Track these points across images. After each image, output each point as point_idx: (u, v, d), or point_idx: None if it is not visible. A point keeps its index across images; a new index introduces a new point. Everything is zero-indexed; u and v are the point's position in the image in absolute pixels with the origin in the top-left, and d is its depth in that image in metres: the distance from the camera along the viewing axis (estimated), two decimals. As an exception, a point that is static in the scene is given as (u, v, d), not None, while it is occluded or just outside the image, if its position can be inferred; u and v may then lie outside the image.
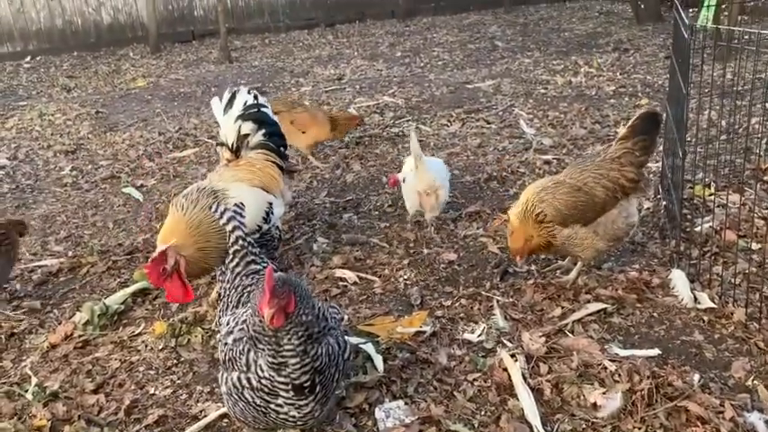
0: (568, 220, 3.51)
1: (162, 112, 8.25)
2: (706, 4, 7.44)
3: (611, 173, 3.56)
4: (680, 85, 3.83)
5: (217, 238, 3.31)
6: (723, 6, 8.24)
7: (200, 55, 12.07)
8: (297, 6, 14.39)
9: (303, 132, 5.82)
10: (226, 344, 2.43)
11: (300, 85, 9.24)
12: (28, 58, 12.65)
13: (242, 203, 2.97)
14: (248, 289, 2.62)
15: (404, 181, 4.55)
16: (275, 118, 4.18)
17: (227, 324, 2.50)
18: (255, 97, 4.08)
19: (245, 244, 2.72)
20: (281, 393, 2.31)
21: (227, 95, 4.06)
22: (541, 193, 3.55)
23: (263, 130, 4.05)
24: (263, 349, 2.27)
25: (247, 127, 3.99)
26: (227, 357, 2.43)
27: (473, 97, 7.91)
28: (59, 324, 3.74)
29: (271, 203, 3.84)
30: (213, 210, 2.80)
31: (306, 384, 2.30)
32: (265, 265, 2.75)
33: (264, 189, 3.87)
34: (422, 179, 4.33)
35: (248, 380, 2.33)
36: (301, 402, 2.34)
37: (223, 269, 2.79)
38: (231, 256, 2.71)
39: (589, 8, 14.18)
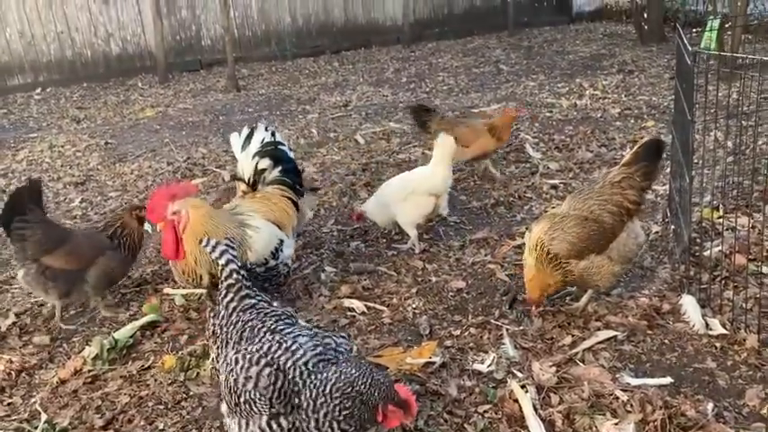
0: (584, 252, 3.50)
1: (170, 141, 8.33)
2: (709, 26, 7.49)
3: (614, 197, 3.56)
4: (684, 110, 3.84)
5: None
6: (726, 27, 8.29)
7: (208, 84, 12.21)
8: (303, 34, 14.58)
9: (465, 147, 5.78)
10: (243, 389, 2.36)
11: (307, 112, 9.32)
12: (38, 90, 12.82)
13: (233, 238, 3.03)
14: (249, 324, 2.59)
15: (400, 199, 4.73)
16: (291, 155, 4.31)
17: (238, 364, 2.43)
18: (273, 134, 4.22)
19: (240, 278, 2.69)
20: None
21: (245, 132, 4.19)
22: (550, 232, 3.52)
23: (280, 167, 4.16)
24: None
25: (264, 163, 4.12)
26: (243, 400, 2.38)
27: (479, 122, 7.93)
28: (69, 359, 3.75)
29: (282, 241, 3.86)
30: (204, 243, 2.78)
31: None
32: (260, 298, 2.72)
33: (278, 224, 3.92)
34: (442, 180, 4.68)
35: (283, 426, 2.33)
36: None
37: (215, 306, 2.75)
38: (225, 291, 2.67)
39: (593, 30, 14.30)
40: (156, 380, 3.48)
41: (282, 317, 2.65)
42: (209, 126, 8.99)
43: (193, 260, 3.55)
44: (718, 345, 3.35)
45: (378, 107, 9.23)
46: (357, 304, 4.07)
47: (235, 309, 2.64)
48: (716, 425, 2.75)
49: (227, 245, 2.73)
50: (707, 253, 4.14)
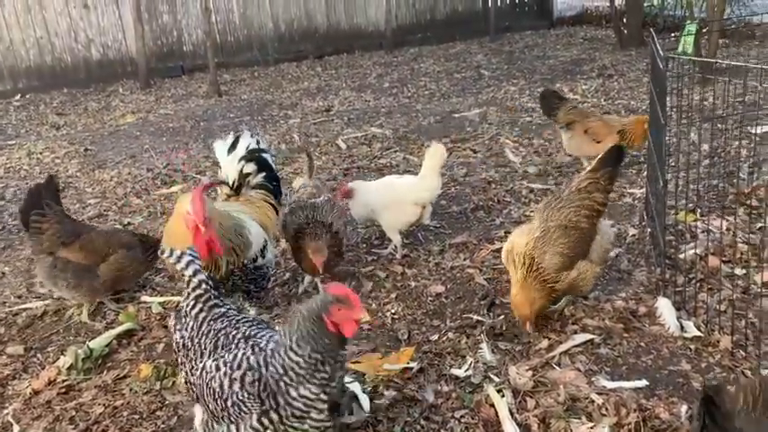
0: (575, 261, 3.53)
1: (150, 147, 8.28)
2: (686, 30, 7.58)
3: (585, 202, 3.60)
4: (658, 114, 3.88)
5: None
6: (704, 31, 8.39)
7: (190, 89, 12.15)
8: (285, 40, 14.56)
9: (598, 142, 5.59)
10: (229, 391, 2.40)
11: (289, 117, 9.30)
12: (17, 97, 12.68)
13: (195, 248, 2.99)
14: (223, 332, 2.58)
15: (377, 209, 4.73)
16: (273, 163, 4.43)
17: (220, 371, 2.44)
18: (258, 142, 4.35)
19: (208, 287, 2.66)
20: (313, 415, 2.37)
21: (230, 137, 4.31)
22: (537, 249, 3.51)
23: (264, 173, 4.29)
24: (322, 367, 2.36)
25: (250, 168, 4.23)
26: (231, 403, 2.39)
27: (460, 126, 7.98)
28: (43, 369, 3.70)
29: (266, 241, 3.90)
30: (167, 254, 2.72)
31: (339, 401, 2.45)
32: (228, 306, 2.71)
33: (261, 226, 3.95)
34: (431, 191, 4.74)
35: (273, 419, 2.36)
36: (327, 424, 2.42)
37: (180, 318, 2.70)
38: (193, 302, 2.63)
39: (573, 35, 14.41)
40: (131, 389, 3.44)
41: (255, 323, 2.64)
42: (190, 132, 8.94)
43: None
44: (692, 347, 3.38)
45: (360, 112, 9.24)
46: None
47: (205, 319, 2.62)
48: (689, 427, 2.77)
49: (190, 255, 2.69)
50: (683, 256, 4.17)
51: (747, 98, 6.11)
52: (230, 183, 4.21)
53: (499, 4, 15.83)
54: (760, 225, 4.45)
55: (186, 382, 2.65)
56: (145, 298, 4.43)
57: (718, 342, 3.35)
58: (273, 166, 4.43)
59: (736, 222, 4.50)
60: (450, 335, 3.71)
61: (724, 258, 4.07)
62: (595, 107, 8.14)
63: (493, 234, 4.94)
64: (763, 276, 3.76)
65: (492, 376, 3.28)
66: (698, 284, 3.85)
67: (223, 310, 2.67)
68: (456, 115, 8.52)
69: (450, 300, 4.12)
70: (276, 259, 4.87)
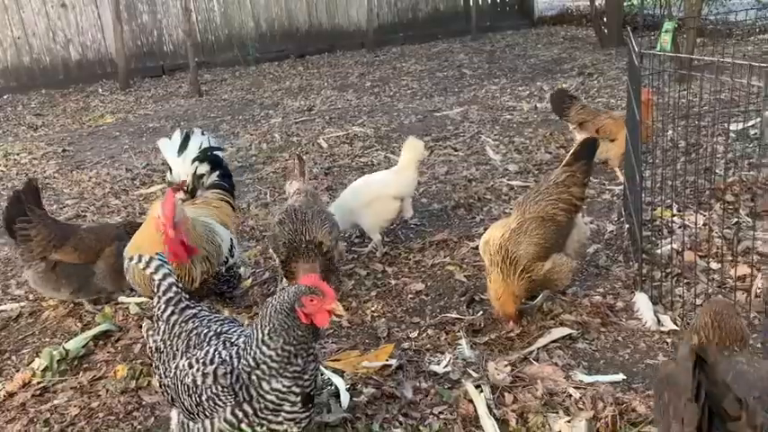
0: (549, 253, 3.54)
1: (130, 148, 8.20)
2: (664, 28, 7.65)
3: (562, 195, 3.63)
4: (634, 111, 3.91)
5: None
6: (682, 30, 8.47)
7: (170, 89, 12.06)
8: (267, 39, 14.50)
9: (612, 141, 5.44)
10: (203, 386, 2.39)
11: (270, 116, 9.26)
12: (-5, 97, 12.53)
13: (162, 253, 2.94)
14: (195, 332, 2.57)
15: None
16: (225, 160, 4.33)
17: (193, 367, 2.44)
18: (209, 140, 4.24)
19: (178, 290, 2.65)
20: (287, 408, 2.36)
21: (179, 137, 4.18)
22: (512, 240, 3.52)
23: (218, 171, 4.17)
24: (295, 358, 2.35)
25: (204, 168, 4.12)
26: (205, 398, 2.38)
27: (441, 125, 7.99)
28: (17, 371, 3.65)
29: (232, 238, 3.82)
30: (135, 260, 2.69)
31: (312, 393, 2.43)
32: (200, 308, 2.70)
33: (224, 225, 3.89)
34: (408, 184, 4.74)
35: (247, 411, 2.35)
36: (302, 415, 2.41)
37: (152, 324, 2.70)
38: (164, 305, 2.61)
39: (554, 34, 14.50)
40: (107, 390, 3.41)
41: (227, 321, 2.63)
42: (170, 132, 8.74)
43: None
44: (669, 341, 3.40)
45: (341, 111, 9.22)
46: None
47: (177, 321, 2.60)
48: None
49: (160, 259, 2.67)
50: (660, 251, 4.21)
51: (724, 95, 6.17)
52: (184, 186, 4.13)
53: (480, 3, 15.88)
54: (735, 220, 4.50)
55: (160, 386, 2.62)
56: (122, 299, 4.38)
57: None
58: (225, 162, 4.35)
59: (712, 218, 4.55)
60: (430, 332, 3.71)
61: (700, 253, 4.11)
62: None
63: (473, 231, 4.95)
64: (737, 270, 3.79)
65: (471, 372, 3.28)
66: (675, 279, 3.89)
67: (194, 311, 2.65)
68: (437, 114, 8.54)
69: (430, 297, 4.12)
70: (256, 258, 4.86)
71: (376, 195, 4.68)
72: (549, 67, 10.83)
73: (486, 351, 3.46)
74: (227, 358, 2.41)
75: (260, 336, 2.37)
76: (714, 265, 3.98)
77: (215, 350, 2.45)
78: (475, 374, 3.25)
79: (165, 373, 2.57)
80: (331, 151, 7.36)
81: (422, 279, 4.35)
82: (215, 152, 4.22)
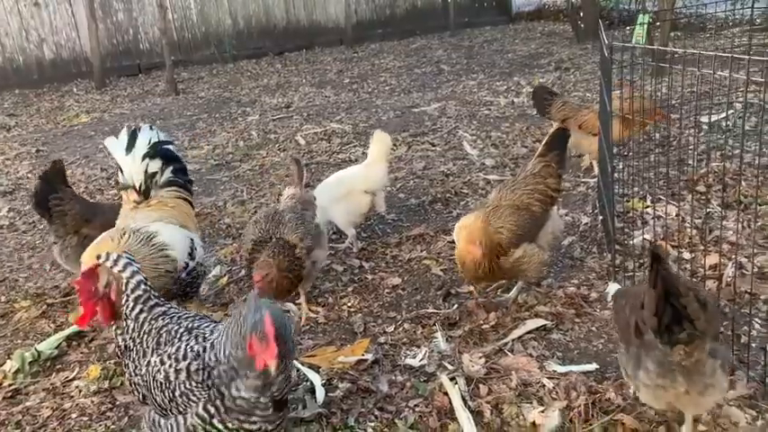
0: (521, 240, 3.56)
1: (105, 147, 8.09)
2: (638, 21, 7.72)
3: (539, 186, 3.67)
4: (605, 103, 3.94)
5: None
6: (656, 24, 8.56)
7: (147, 88, 11.94)
8: (244, 36, 14.42)
9: (595, 135, 5.24)
10: (176, 382, 2.37)
11: (247, 114, 9.21)
12: (-33, 98, 12.31)
13: (130, 252, 2.90)
14: (165, 329, 2.54)
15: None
16: (179, 154, 3.96)
17: (165, 364, 2.42)
18: (158, 134, 3.87)
19: (147, 288, 2.62)
20: (258, 412, 2.34)
21: (125, 134, 3.78)
22: (485, 222, 3.54)
23: (171, 167, 3.82)
24: (248, 377, 2.30)
25: (155, 165, 3.74)
26: (179, 393, 2.37)
27: (419, 121, 8.00)
28: (-12, 374, 3.59)
29: (193, 240, 3.66)
30: (103, 258, 2.62)
31: (284, 399, 2.41)
32: (169, 306, 2.67)
33: (183, 226, 3.70)
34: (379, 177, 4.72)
35: (219, 407, 2.33)
36: (274, 417, 2.39)
37: (121, 323, 2.64)
38: (133, 304, 2.58)
39: (532, 29, 14.58)
40: (80, 391, 3.37)
41: (197, 317, 2.62)
42: (146, 131, 8.77)
43: None
44: (641, 330, 3.43)
45: (320, 108, 9.20)
46: (293, 308, 4.02)
47: (146, 319, 2.57)
48: (638, 408, 2.82)
49: (127, 257, 2.64)
50: (633, 242, 4.25)
51: (697, 88, 6.24)
52: (137, 186, 3.71)
53: (458, -1, 15.95)
54: (707, 211, 4.56)
55: (131, 384, 2.60)
56: (96, 299, 4.33)
57: (666, 324, 3.41)
58: (179, 156, 3.97)
59: (684, 208, 4.61)
60: (406, 326, 3.71)
61: (673, 243, 4.15)
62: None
63: (450, 225, 4.95)
64: (708, 260, 3.84)
65: (446, 365, 3.29)
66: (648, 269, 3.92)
67: (164, 308, 2.62)
68: (416, 110, 8.54)
69: (406, 291, 4.13)
70: (232, 256, 4.83)
71: (347, 191, 4.68)
72: (526, 62, 10.89)
73: (461, 344, 3.47)
74: (200, 352, 2.39)
75: (224, 339, 2.35)
76: (687, 255, 4.02)
77: (187, 345, 2.43)
78: (450, 367, 3.26)
79: (135, 371, 2.55)
80: (309, 148, 7.34)
81: (398, 274, 4.35)
82: (165, 146, 3.82)
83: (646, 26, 7.73)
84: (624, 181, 4.85)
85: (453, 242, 4.59)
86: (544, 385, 3.04)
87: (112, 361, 3.58)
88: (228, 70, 12.97)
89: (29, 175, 7.30)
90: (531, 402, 2.94)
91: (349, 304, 4.04)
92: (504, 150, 6.53)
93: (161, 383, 2.41)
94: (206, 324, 2.56)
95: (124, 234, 3.40)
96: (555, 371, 3.15)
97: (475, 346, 3.43)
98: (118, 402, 3.26)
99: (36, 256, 5.25)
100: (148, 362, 2.50)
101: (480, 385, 3.09)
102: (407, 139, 7.28)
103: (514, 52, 11.97)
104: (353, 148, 7.21)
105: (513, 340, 3.42)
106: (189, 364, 2.38)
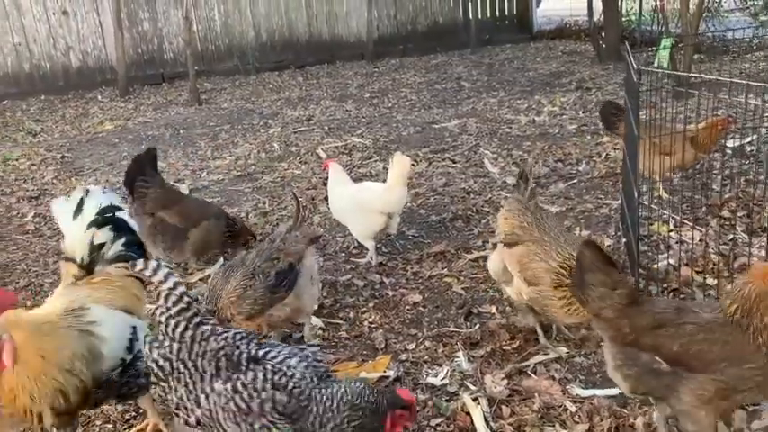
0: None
1: (129, 155, 8.19)
2: (662, 45, 7.72)
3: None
4: (632, 126, 3.94)
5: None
6: (679, 46, 8.55)
7: (170, 97, 12.09)
8: (267, 49, 14.57)
9: (666, 155, 5.05)
10: (260, 410, 2.36)
11: (269, 126, 9.29)
12: (-6, 103, 12.53)
13: (82, 355, 2.62)
14: (222, 353, 2.44)
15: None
16: (133, 223, 3.34)
17: (241, 393, 2.37)
18: (111, 198, 3.29)
19: (190, 300, 2.46)
20: None
21: (75, 196, 3.19)
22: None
23: (123, 239, 3.22)
24: None
25: (104, 235, 3.17)
26: (258, 426, 2.36)
27: (439, 137, 8.03)
28: (14, 377, 3.63)
29: (135, 328, 2.97)
30: (140, 266, 2.46)
31: None
32: (212, 322, 2.56)
33: (127, 311, 3.06)
34: (397, 201, 4.72)
35: None
36: None
37: (158, 341, 2.49)
38: (176, 320, 2.42)
39: (553, 48, 14.59)
40: (104, 398, 3.40)
41: (250, 338, 2.55)
42: (169, 140, 8.89)
43: (29, 396, 2.57)
44: (665, 355, 3.41)
45: (340, 122, 9.26)
46: (315, 321, 4.04)
47: (194, 338, 2.43)
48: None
49: (165, 265, 2.50)
50: (657, 266, 4.23)
51: (721, 112, 6.22)
52: (79, 259, 3.12)
53: (480, 16, 16.00)
54: (731, 236, 4.54)
55: (177, 408, 2.48)
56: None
57: (690, 351, 3.39)
58: (134, 226, 3.31)
59: (709, 233, 4.58)
60: (428, 343, 3.72)
61: (697, 269, 4.13)
62: (573, 119, 8.26)
63: (471, 243, 4.98)
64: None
65: (468, 384, 3.29)
66: (671, 294, 3.91)
67: (208, 327, 2.50)
68: (436, 126, 8.58)
69: (427, 309, 4.14)
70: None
71: (362, 204, 4.72)
72: (547, 81, 10.90)
73: (483, 364, 3.46)
74: (287, 384, 2.37)
75: (336, 425, 2.36)
76: (711, 281, 4.00)
77: (265, 376, 2.39)
78: (472, 387, 3.26)
79: (188, 396, 2.45)
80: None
81: (419, 290, 4.36)
82: (118, 213, 3.23)
83: (669, 50, 7.73)
84: (647, 204, 4.83)
85: (475, 261, 4.64)
86: (567, 408, 3.03)
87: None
88: (251, 82, 13.11)
89: (54, 181, 7.42)
90: (553, 425, 2.94)
91: (370, 320, 4.06)
92: (526, 169, 6.53)
93: (235, 414, 2.37)
94: (269, 351, 2.49)
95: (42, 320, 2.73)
96: (578, 394, 3.14)
97: (497, 367, 3.42)
98: (141, 410, 3.29)
99: (61, 261, 5.31)
100: (214, 388, 2.42)
101: (503, 407, 3.09)
102: (428, 155, 7.31)
103: (535, 71, 12.00)
104: (374, 162, 7.24)
105: (535, 363, 3.42)
106: (273, 395, 2.35)
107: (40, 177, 7.60)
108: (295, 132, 8.80)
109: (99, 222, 3.14)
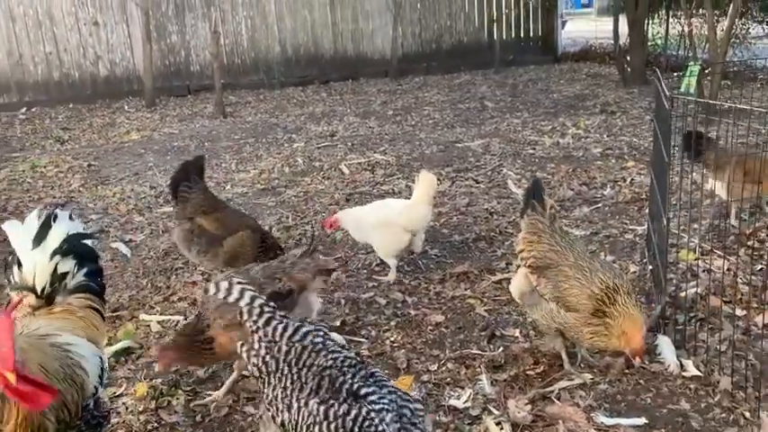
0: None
1: (154, 165, 8.32)
2: (689, 71, 7.69)
3: None
4: (662, 152, 3.92)
5: None
6: (706, 72, 8.51)
7: (195, 109, 12.25)
8: (292, 64, 14.74)
9: (759, 182, 4.98)
10: None
11: (293, 140, 9.36)
12: (23, 110, 12.78)
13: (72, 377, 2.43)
14: (327, 372, 2.41)
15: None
16: (97, 250, 3.12)
17: (330, 421, 2.33)
18: (77, 225, 3.04)
19: (272, 309, 2.46)
20: None
21: (35, 219, 2.88)
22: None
23: (86, 269, 3.00)
24: None
25: (67, 264, 2.92)
26: None
27: (462, 156, 8.03)
28: (39, 384, 3.66)
29: (101, 358, 2.79)
30: (213, 290, 2.47)
31: None
32: (323, 329, 2.53)
33: (92, 342, 2.82)
34: (421, 218, 4.71)
35: None
36: None
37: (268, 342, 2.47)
38: (275, 326, 2.43)
39: (577, 70, 14.60)
40: (127, 408, 3.42)
41: (357, 367, 2.49)
42: (195, 152, 8.95)
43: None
44: (692, 386, 3.36)
45: (363, 138, 9.31)
46: (337, 338, 4.03)
47: (304, 348, 2.45)
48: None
49: (239, 282, 2.50)
50: (683, 294, 4.18)
51: (749, 140, 6.16)
52: (39, 288, 2.83)
53: (504, 37, 16.06)
54: (760, 267, 4.47)
55: (270, 402, 2.49)
56: (143, 316, 4.41)
57: (717, 382, 3.34)
58: (96, 253, 3.08)
59: (737, 263, 4.53)
60: (450, 365, 3.70)
61: (725, 299, 4.08)
62: (598, 142, 8.23)
63: (494, 265, 4.95)
64: (764, 318, 3.76)
65: (491, 408, 3.26)
66: (698, 324, 3.86)
67: (321, 339, 2.49)
68: (459, 145, 8.59)
69: (449, 330, 4.11)
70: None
71: (387, 221, 4.72)
72: (571, 103, 10.89)
73: (506, 388, 3.43)
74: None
75: None
76: (739, 312, 3.94)
77: (356, 417, 2.32)
78: (495, 411, 3.23)
79: (282, 398, 2.45)
80: (352, 177, 7.42)
81: (442, 311, 4.35)
82: (83, 241, 3.00)
83: (696, 76, 7.69)
84: (674, 232, 4.78)
85: (498, 283, 4.62)
86: (592, 437, 2.99)
87: (159, 380, 3.63)
88: (275, 96, 13.24)
89: (80, 189, 7.51)
90: (578, 454, 2.90)
91: (392, 338, 4.04)
92: (550, 191, 6.50)
93: None
94: (370, 392, 2.41)
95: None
96: (603, 422, 3.09)
97: (520, 392, 3.39)
98: (164, 422, 3.30)
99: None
100: (307, 403, 2.40)
101: (526, 432, 3.06)
102: (451, 174, 7.31)
103: (559, 92, 11.99)
104: (397, 180, 7.26)
105: (559, 389, 3.38)
106: None
107: (67, 185, 7.71)
108: (318, 148, 8.86)
109: (64, 250, 2.89)
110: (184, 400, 3.46)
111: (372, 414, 2.33)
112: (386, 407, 2.37)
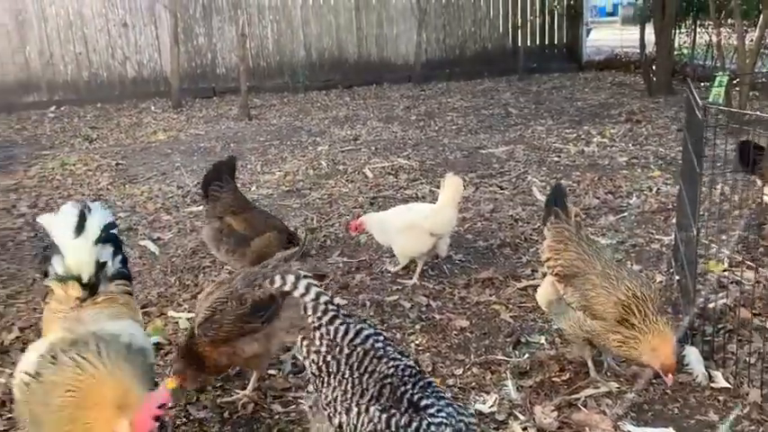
0: None
1: (181, 165, 8.42)
2: (717, 82, 7.63)
3: None
4: (692, 162, 3.90)
5: None
6: (734, 83, 8.44)
7: (221, 111, 12.38)
8: (316, 68, 14.85)
9: None
10: None
11: (317, 144, 9.43)
12: (53, 108, 13.01)
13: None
14: (388, 381, 2.41)
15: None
16: (123, 239, 3.36)
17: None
18: (107, 214, 3.13)
19: (337, 309, 2.47)
20: None
21: (72, 210, 2.96)
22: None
23: (120, 255, 3.11)
24: None
25: (107, 253, 3.02)
26: None
27: (487, 162, 8.04)
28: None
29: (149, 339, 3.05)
30: (278, 283, 2.47)
31: None
32: (383, 335, 2.53)
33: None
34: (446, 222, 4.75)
35: None
36: None
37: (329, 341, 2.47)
38: (337, 327, 2.44)
39: (602, 79, 14.52)
40: (156, 403, 3.46)
41: (417, 377, 2.52)
42: (220, 153, 9.07)
43: None
44: (720, 398, 3.34)
45: (387, 143, 9.34)
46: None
47: (366, 353, 2.45)
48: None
49: (305, 275, 2.50)
50: (712, 305, 4.15)
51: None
52: (86, 278, 2.91)
53: (529, 44, 16.04)
54: (790, 279, 4.43)
55: (328, 401, 2.50)
56: (171, 313, 4.48)
57: (746, 395, 3.31)
58: (123, 242, 3.27)
59: (765, 274, 4.48)
60: (475, 370, 3.71)
61: (754, 311, 4.04)
62: (623, 151, 8.19)
63: (519, 272, 4.95)
64: (793, 331, 3.72)
65: (517, 414, 3.27)
66: (727, 335, 3.83)
67: (381, 344, 2.50)
68: (483, 151, 8.59)
69: (474, 335, 4.12)
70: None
71: (411, 224, 4.75)
72: (596, 112, 10.84)
73: (531, 394, 3.44)
74: None
75: None
76: (768, 325, 3.91)
77: (417, 429, 2.33)
78: (521, 417, 3.23)
79: (342, 400, 2.46)
80: (376, 181, 7.45)
81: (466, 316, 4.35)
82: (113, 229, 3.11)
83: (724, 86, 7.63)
84: (702, 242, 4.75)
85: (523, 290, 4.62)
86: (619, 445, 2.98)
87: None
88: (299, 100, 13.34)
89: (109, 187, 7.63)
90: (605, 462, 2.89)
91: (416, 342, 4.06)
92: (575, 200, 6.49)
93: None
94: (431, 405, 2.42)
95: (77, 344, 2.51)
96: (630, 431, 3.08)
97: (546, 398, 3.39)
98: (192, 417, 3.35)
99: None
100: (368, 409, 2.41)
101: (552, 438, 3.06)
102: (475, 180, 7.32)
103: (584, 100, 11.94)
104: (420, 184, 7.28)
105: (586, 397, 3.37)
106: None
107: (96, 183, 7.83)
108: (342, 151, 8.91)
109: (104, 239, 2.99)
110: (212, 396, 3.50)
111: (433, 428, 2.33)
112: (444, 420, 2.37)
